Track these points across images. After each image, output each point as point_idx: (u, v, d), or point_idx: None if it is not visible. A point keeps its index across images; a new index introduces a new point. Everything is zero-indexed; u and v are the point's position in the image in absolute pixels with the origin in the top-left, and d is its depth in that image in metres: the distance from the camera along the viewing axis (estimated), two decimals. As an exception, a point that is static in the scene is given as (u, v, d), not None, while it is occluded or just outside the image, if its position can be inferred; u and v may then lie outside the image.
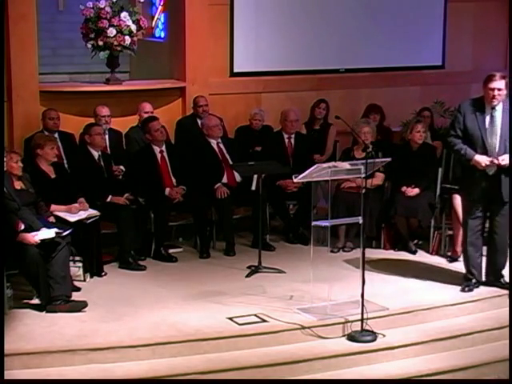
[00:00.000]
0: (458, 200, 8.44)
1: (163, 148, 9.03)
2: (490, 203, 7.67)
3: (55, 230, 7.34)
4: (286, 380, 6.64)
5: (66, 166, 8.80)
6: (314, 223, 7.41)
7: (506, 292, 7.72)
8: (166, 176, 8.96)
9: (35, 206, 7.72)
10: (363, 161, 7.20)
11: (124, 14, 9.63)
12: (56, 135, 8.99)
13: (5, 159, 7.48)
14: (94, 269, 8.11)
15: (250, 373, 6.59)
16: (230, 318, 7.11)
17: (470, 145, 7.53)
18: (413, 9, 11.03)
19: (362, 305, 6.96)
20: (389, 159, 7.68)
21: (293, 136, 9.59)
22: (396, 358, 6.95)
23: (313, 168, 7.24)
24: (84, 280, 7.92)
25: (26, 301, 7.35)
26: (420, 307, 7.44)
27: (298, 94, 10.45)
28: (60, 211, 8.00)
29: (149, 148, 9.01)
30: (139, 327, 6.95)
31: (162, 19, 11.72)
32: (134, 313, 7.24)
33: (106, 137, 9.13)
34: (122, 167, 9.03)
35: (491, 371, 6.96)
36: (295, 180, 7.55)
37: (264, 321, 7.10)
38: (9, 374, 6.22)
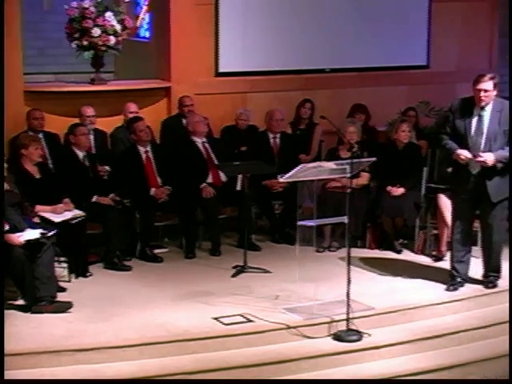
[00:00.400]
0: (443, 199, 8.46)
1: (148, 148, 9.02)
2: (478, 202, 7.68)
3: (40, 230, 7.32)
4: (273, 380, 6.63)
5: (51, 166, 8.77)
6: (299, 223, 7.41)
7: (492, 291, 7.74)
8: (152, 176, 8.94)
9: (20, 206, 7.68)
10: (348, 160, 7.19)
11: (109, 14, 9.60)
12: (41, 135, 8.96)
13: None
14: (80, 269, 8.08)
15: (237, 373, 6.59)
16: (216, 318, 7.10)
17: (457, 143, 7.54)
18: (398, 9, 11.05)
19: (348, 304, 6.96)
20: (374, 159, 7.67)
21: (278, 136, 9.58)
22: (382, 357, 6.95)
23: (298, 168, 7.23)
24: (69, 280, 7.89)
25: (10, 301, 7.30)
26: (406, 306, 7.44)
27: (285, 93, 10.41)
28: (45, 212, 7.97)
29: (134, 148, 8.99)
30: (127, 327, 6.92)
31: (147, 19, 11.68)
32: (121, 313, 7.21)
33: (91, 137, 9.10)
34: (107, 167, 8.97)
35: (477, 370, 6.95)
36: (281, 180, 7.55)
37: (250, 321, 7.09)
38: (7, 375, 6.19)
